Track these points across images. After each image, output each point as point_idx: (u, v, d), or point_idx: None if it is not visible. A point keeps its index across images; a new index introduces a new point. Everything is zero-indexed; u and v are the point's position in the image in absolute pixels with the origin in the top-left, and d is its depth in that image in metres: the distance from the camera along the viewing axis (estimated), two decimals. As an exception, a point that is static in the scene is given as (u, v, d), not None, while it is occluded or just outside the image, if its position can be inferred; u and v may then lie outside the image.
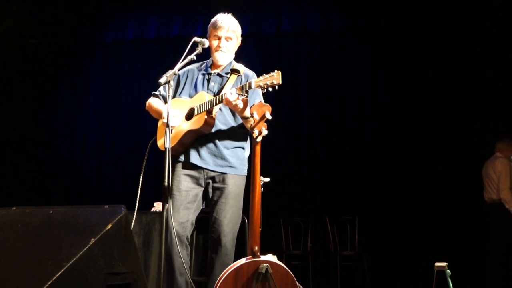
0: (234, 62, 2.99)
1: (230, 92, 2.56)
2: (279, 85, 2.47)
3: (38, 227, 1.63)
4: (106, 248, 1.53)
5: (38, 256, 1.48)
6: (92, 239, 1.48)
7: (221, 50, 2.88)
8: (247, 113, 2.64)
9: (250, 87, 2.53)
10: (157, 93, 3.02)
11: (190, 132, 2.74)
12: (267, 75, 2.50)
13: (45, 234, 1.58)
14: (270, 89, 2.50)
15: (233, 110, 2.75)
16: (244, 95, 2.56)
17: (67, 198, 6.50)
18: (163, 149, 2.45)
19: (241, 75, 2.89)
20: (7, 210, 1.77)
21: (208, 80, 2.92)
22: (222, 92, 2.70)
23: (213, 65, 2.97)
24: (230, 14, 2.96)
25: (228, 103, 2.57)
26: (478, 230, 5.52)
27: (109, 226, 1.54)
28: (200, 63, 3.01)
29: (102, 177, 6.88)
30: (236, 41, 2.96)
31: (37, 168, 6.89)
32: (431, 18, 6.38)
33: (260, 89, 2.57)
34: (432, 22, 6.38)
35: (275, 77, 2.47)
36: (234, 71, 2.88)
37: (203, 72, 2.97)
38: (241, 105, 2.58)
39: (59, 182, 6.85)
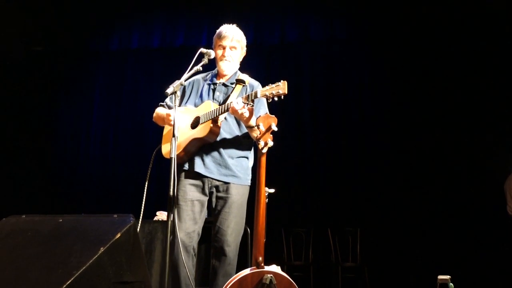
0: (239, 72, 3.03)
1: (236, 101, 2.59)
2: (284, 95, 2.50)
3: (47, 235, 1.64)
4: (115, 257, 1.54)
5: (48, 264, 1.49)
6: (102, 248, 1.49)
7: (225, 60, 2.92)
8: (252, 122, 2.67)
9: (256, 97, 2.55)
10: (163, 103, 3.05)
11: (195, 140, 2.76)
12: (273, 85, 2.53)
13: (54, 242, 1.59)
14: (276, 98, 2.52)
15: (239, 119, 2.78)
16: (250, 104, 2.59)
17: (69, 205, 6.50)
18: (168, 157, 2.46)
19: (246, 85, 2.93)
20: (17, 218, 1.78)
21: (214, 90, 2.95)
22: (228, 101, 2.72)
23: (218, 75, 3.01)
24: (235, 25, 3.02)
25: (234, 112, 2.59)
26: (481, 243, 5.52)
27: (118, 235, 1.55)
28: (205, 73, 3.04)
29: (104, 184, 6.89)
30: (240, 51, 3.00)
31: (40, 175, 6.90)
32: (434, 27, 6.42)
33: (265, 99, 2.60)
34: (435, 31, 6.42)
35: (281, 87, 2.50)
36: (239, 81, 2.91)
37: (209, 82, 3.00)
38: (246, 114, 2.61)
39: (61, 189, 6.85)
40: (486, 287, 5.31)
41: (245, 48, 3.05)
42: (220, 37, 2.94)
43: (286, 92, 2.50)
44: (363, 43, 6.80)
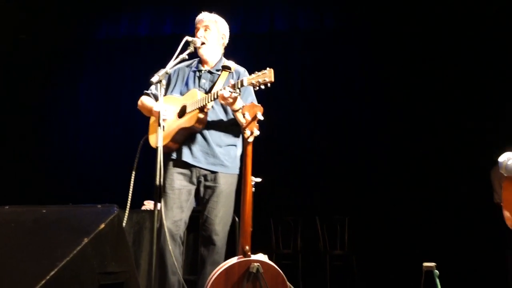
0: (224, 59, 3.02)
1: (224, 88, 2.58)
2: (271, 83, 2.49)
3: (31, 226, 1.63)
4: (99, 248, 1.54)
5: (31, 255, 1.48)
6: (85, 239, 1.48)
7: (200, 40, 2.88)
8: (238, 105, 2.64)
9: (242, 85, 2.55)
10: (148, 91, 3.03)
11: (182, 129, 2.75)
12: (259, 73, 2.53)
13: (38, 233, 1.59)
14: (262, 86, 2.52)
15: (227, 107, 2.77)
16: (237, 92, 2.58)
17: (56, 196, 6.45)
18: (155, 147, 2.45)
19: (232, 72, 2.92)
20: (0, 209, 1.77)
21: (199, 77, 2.94)
22: (214, 90, 2.71)
23: (203, 62, 2.99)
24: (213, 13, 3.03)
25: (223, 99, 2.58)
26: (467, 230, 5.58)
27: (102, 225, 1.55)
28: (190, 61, 3.02)
29: (91, 174, 6.85)
30: (216, 33, 2.98)
31: (27, 165, 6.85)
32: (425, 15, 6.41)
33: (252, 87, 2.59)
34: (426, 19, 6.41)
35: (267, 75, 2.50)
36: (225, 68, 2.91)
37: (194, 69, 2.99)
38: (235, 102, 2.60)
39: (49, 180, 6.80)
40: (472, 275, 5.38)
41: (224, 33, 3.04)
42: (196, 22, 2.98)
43: (273, 80, 2.49)
44: (352, 32, 6.78)
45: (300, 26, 6.91)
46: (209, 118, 2.79)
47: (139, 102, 3.02)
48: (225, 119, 2.86)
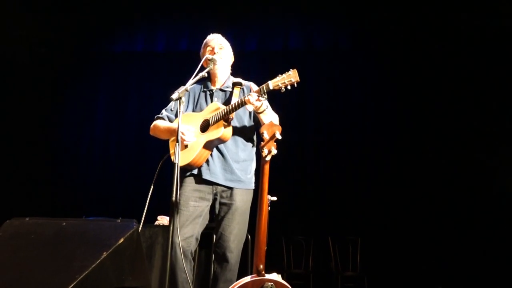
0: (231, 77, 3.05)
1: (250, 94, 2.59)
2: (297, 83, 2.49)
3: (51, 238, 1.64)
4: (118, 262, 1.54)
5: (51, 267, 1.49)
6: (105, 253, 1.49)
7: (216, 56, 2.91)
8: (264, 107, 2.66)
9: (268, 88, 2.55)
10: (160, 115, 3.03)
11: (208, 142, 2.74)
12: (283, 75, 2.53)
13: (58, 245, 1.60)
14: (289, 87, 2.52)
15: (243, 122, 2.83)
16: (264, 97, 2.58)
17: (70, 208, 6.49)
18: (182, 164, 2.45)
19: (243, 87, 2.94)
20: (20, 220, 1.78)
21: (211, 96, 2.96)
22: (233, 102, 2.72)
23: (212, 81, 3.02)
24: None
25: (250, 103, 2.58)
26: (482, 254, 5.51)
27: (121, 240, 1.55)
28: (199, 83, 3.02)
29: (106, 188, 6.87)
30: (228, 52, 3.04)
31: (43, 177, 6.90)
32: (440, 37, 6.42)
33: (269, 106, 2.60)
34: (441, 41, 6.42)
35: (292, 75, 2.51)
36: (236, 84, 2.93)
37: (204, 89, 3.01)
38: (261, 105, 2.62)
39: (63, 191, 6.84)
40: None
41: (232, 53, 3.08)
42: (206, 43, 3.01)
43: (299, 79, 2.50)
44: (366, 52, 6.80)
45: (314, 45, 6.94)
46: None
47: (151, 127, 3.01)
48: (240, 134, 2.88)
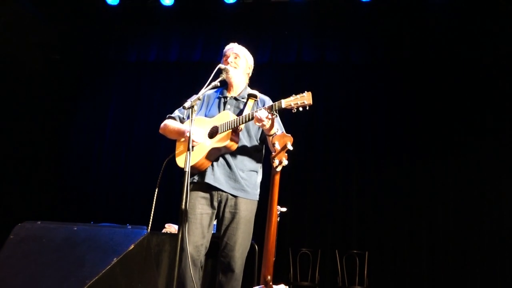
0: (249, 88, 3.07)
1: (261, 110, 2.60)
2: (310, 106, 2.50)
3: (62, 243, 1.65)
4: (127, 268, 1.55)
5: (61, 272, 1.50)
6: (115, 259, 1.50)
7: (230, 65, 2.96)
8: (273, 130, 2.67)
9: (280, 107, 2.56)
10: (172, 115, 3.07)
11: (214, 149, 2.76)
12: (297, 96, 2.55)
13: (68, 250, 1.61)
14: (300, 109, 2.53)
15: (251, 132, 2.83)
16: (274, 115, 2.59)
17: (79, 213, 6.52)
18: (182, 167, 2.46)
19: (258, 100, 2.95)
20: (32, 224, 1.79)
21: (225, 103, 2.98)
22: (245, 113, 2.74)
23: (229, 88, 3.04)
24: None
25: (259, 120, 2.59)
26: (490, 268, 5.46)
27: (132, 246, 1.56)
28: (215, 89, 3.07)
29: (115, 195, 6.90)
30: (245, 62, 3.06)
31: (54, 182, 6.96)
32: (453, 53, 6.42)
33: (278, 117, 2.61)
34: (455, 57, 6.42)
35: (306, 97, 2.52)
36: (252, 96, 2.95)
37: (219, 96, 3.04)
38: (271, 125, 2.62)
39: (73, 197, 6.88)
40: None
41: (251, 65, 3.11)
42: (224, 52, 3.07)
43: (311, 102, 2.50)
44: (378, 66, 6.79)
45: (327, 59, 6.96)
46: None
47: (162, 125, 3.04)
48: (248, 144, 2.89)
